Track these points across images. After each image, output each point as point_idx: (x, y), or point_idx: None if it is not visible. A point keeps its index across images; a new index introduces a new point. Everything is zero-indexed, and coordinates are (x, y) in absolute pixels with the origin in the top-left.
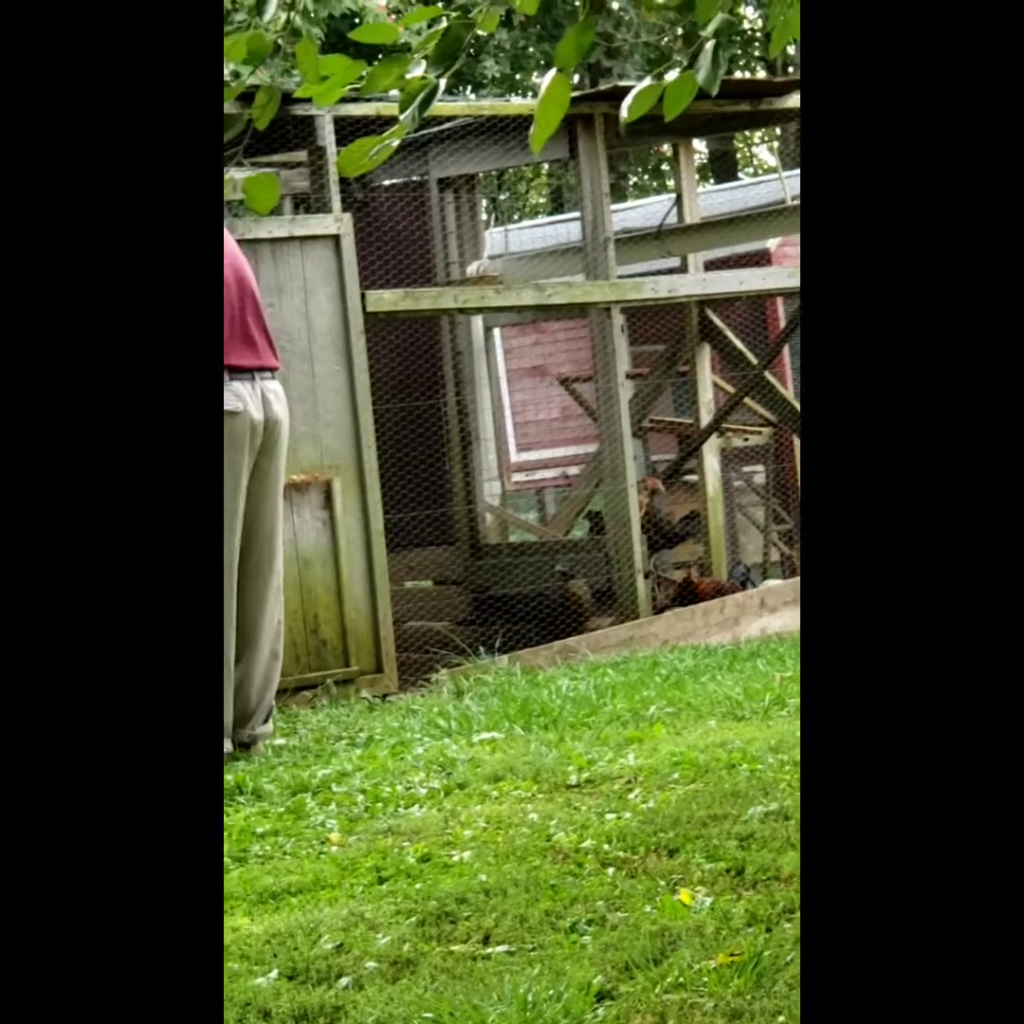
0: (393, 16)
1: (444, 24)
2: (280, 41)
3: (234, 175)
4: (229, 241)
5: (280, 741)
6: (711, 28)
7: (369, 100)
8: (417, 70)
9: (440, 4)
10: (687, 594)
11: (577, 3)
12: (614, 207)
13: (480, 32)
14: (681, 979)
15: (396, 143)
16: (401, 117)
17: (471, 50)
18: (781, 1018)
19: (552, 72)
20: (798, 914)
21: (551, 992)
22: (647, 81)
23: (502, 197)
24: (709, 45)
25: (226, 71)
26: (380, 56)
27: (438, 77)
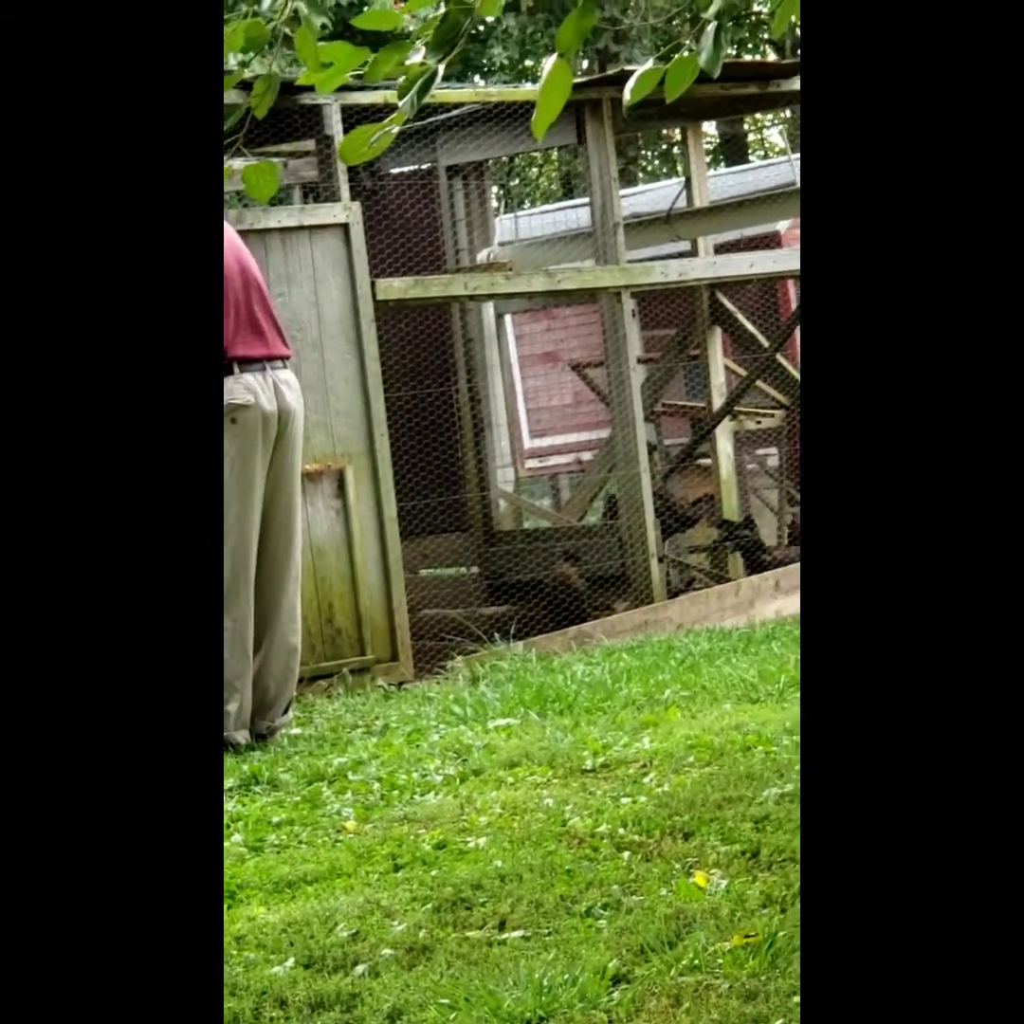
0: (400, 3)
1: (443, 9)
2: (285, 30)
3: (238, 165)
4: (230, 232)
5: (296, 731)
6: (712, 10)
7: (376, 88)
8: (417, 56)
9: None
10: None
11: None
12: (623, 192)
13: (483, 17)
14: (696, 961)
15: (396, 130)
16: (400, 104)
17: (478, 36)
18: (795, 998)
19: (553, 57)
20: None
21: (566, 976)
22: (648, 64)
23: (512, 183)
24: (711, 27)
25: (232, 60)
26: (380, 44)
27: (437, 63)
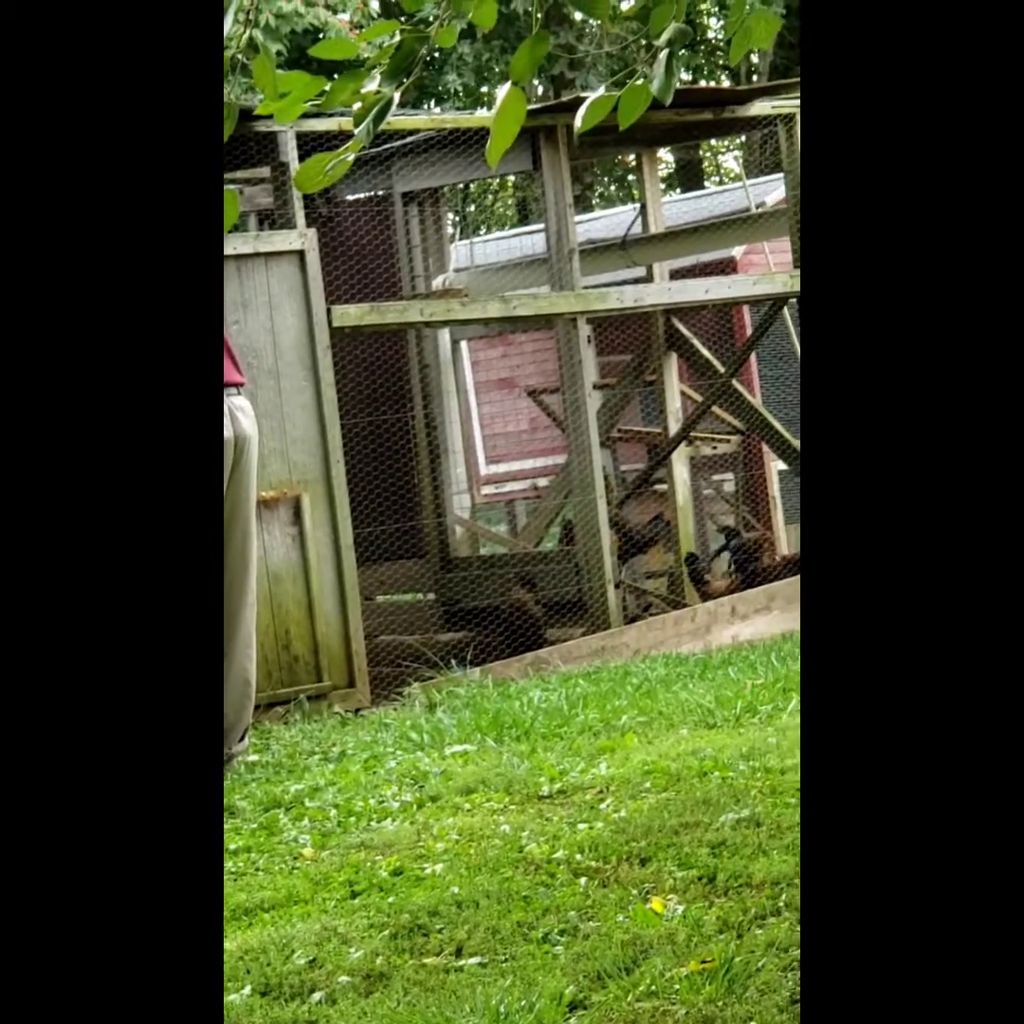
0: (355, 31)
1: (398, 38)
2: (242, 57)
3: None
4: None
5: (253, 758)
6: (664, 37)
7: (331, 115)
8: (372, 84)
9: (402, 19)
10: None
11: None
12: (579, 218)
13: (439, 46)
14: (653, 987)
15: (352, 158)
16: (356, 131)
17: (433, 62)
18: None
19: (507, 85)
20: (769, 920)
21: (523, 1003)
22: (601, 91)
23: (468, 210)
24: (663, 54)
25: None
26: (337, 72)
27: (393, 91)
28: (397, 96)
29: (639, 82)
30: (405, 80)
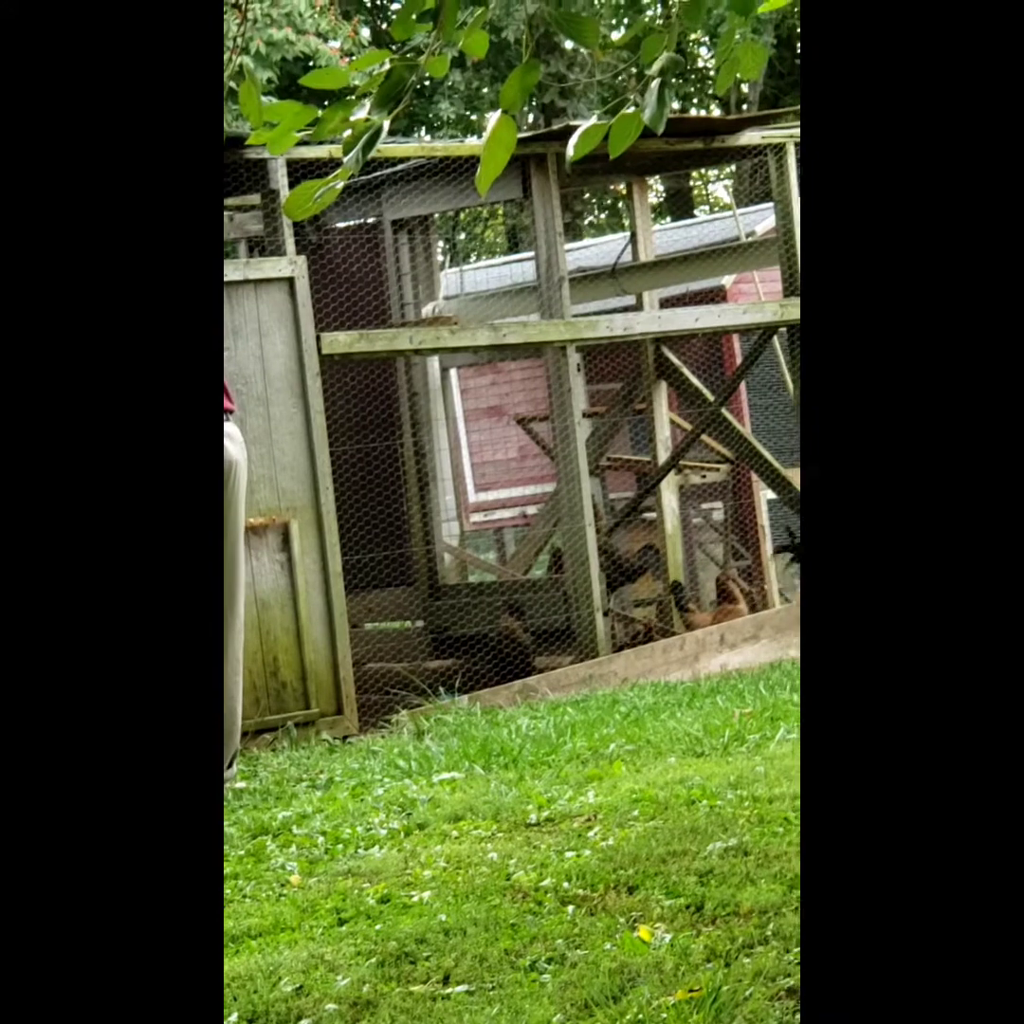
0: (346, 59)
1: (388, 66)
2: (232, 84)
3: None
4: None
5: (241, 785)
6: (656, 67)
7: (321, 143)
8: (361, 113)
9: (393, 50)
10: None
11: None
12: (569, 246)
13: (428, 74)
14: (640, 1016)
15: (341, 186)
16: (345, 159)
17: (424, 91)
18: None
19: (497, 113)
20: (757, 949)
21: None
22: (593, 120)
23: (458, 237)
24: (654, 83)
25: None
26: (328, 101)
27: (382, 119)
28: (387, 124)
29: (630, 111)
30: (395, 108)
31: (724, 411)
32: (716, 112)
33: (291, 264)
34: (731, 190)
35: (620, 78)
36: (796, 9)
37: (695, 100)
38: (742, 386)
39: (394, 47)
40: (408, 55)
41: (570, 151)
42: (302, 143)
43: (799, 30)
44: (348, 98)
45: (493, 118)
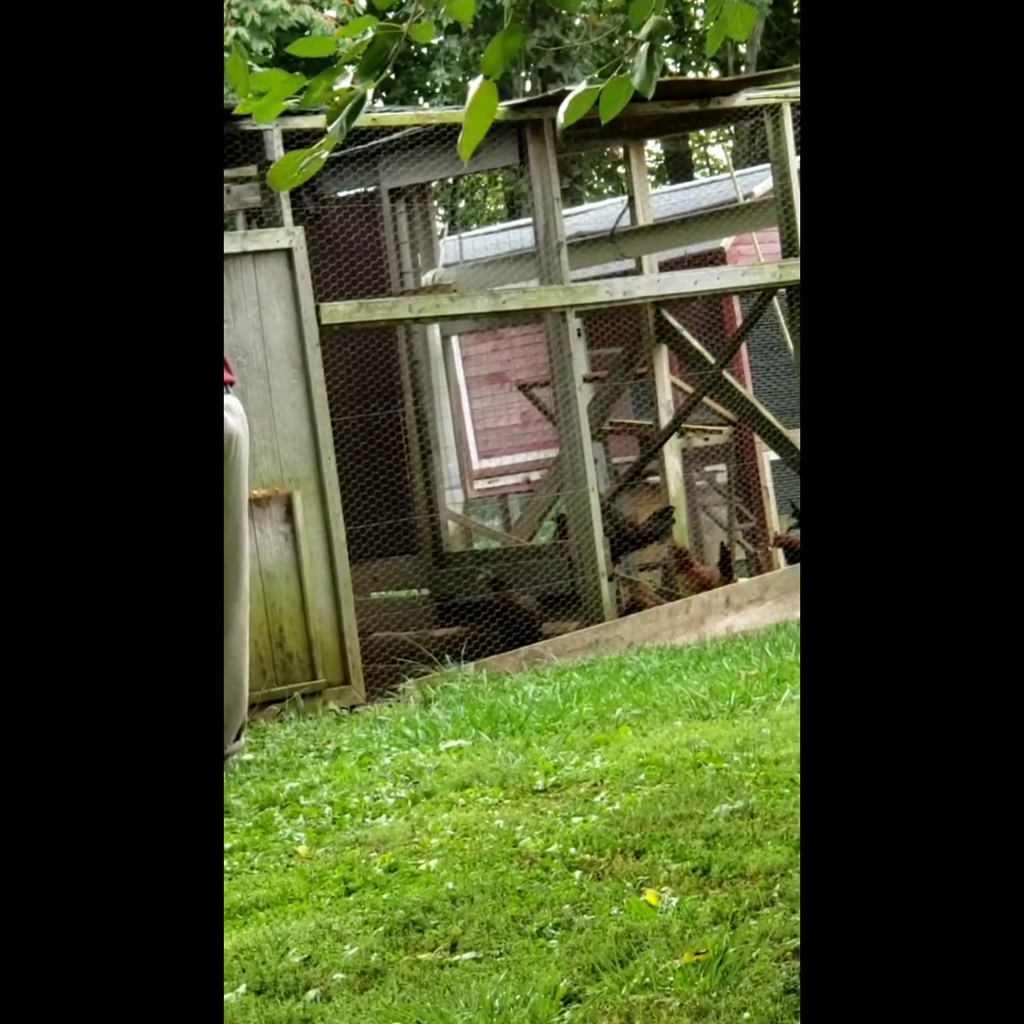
0: (340, 28)
1: (371, 34)
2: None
3: None
4: None
5: (248, 756)
6: (645, 31)
7: (317, 112)
8: (345, 81)
9: (390, 14)
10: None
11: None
12: (567, 211)
13: (413, 41)
14: (647, 979)
15: (326, 155)
16: (329, 129)
17: (420, 58)
18: (746, 1014)
19: (479, 79)
20: (763, 910)
21: (518, 997)
22: (583, 85)
23: (458, 205)
24: (643, 48)
25: None
26: (319, 70)
27: (365, 87)
28: (370, 93)
29: (620, 76)
30: (379, 76)
31: (725, 373)
32: (713, 74)
33: (289, 235)
34: (730, 152)
35: (616, 42)
36: None
37: (693, 63)
38: (743, 348)
39: (384, 14)
40: (396, 22)
41: (560, 118)
42: (296, 113)
43: None
44: (333, 67)
45: (474, 84)
